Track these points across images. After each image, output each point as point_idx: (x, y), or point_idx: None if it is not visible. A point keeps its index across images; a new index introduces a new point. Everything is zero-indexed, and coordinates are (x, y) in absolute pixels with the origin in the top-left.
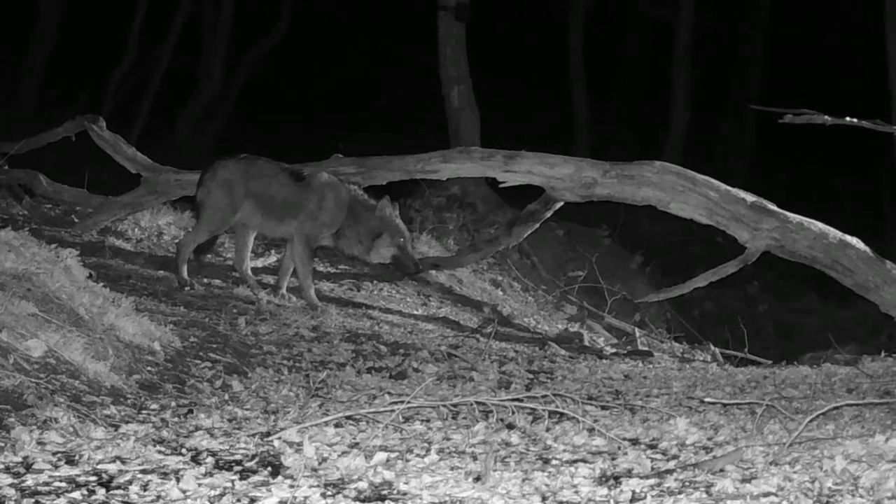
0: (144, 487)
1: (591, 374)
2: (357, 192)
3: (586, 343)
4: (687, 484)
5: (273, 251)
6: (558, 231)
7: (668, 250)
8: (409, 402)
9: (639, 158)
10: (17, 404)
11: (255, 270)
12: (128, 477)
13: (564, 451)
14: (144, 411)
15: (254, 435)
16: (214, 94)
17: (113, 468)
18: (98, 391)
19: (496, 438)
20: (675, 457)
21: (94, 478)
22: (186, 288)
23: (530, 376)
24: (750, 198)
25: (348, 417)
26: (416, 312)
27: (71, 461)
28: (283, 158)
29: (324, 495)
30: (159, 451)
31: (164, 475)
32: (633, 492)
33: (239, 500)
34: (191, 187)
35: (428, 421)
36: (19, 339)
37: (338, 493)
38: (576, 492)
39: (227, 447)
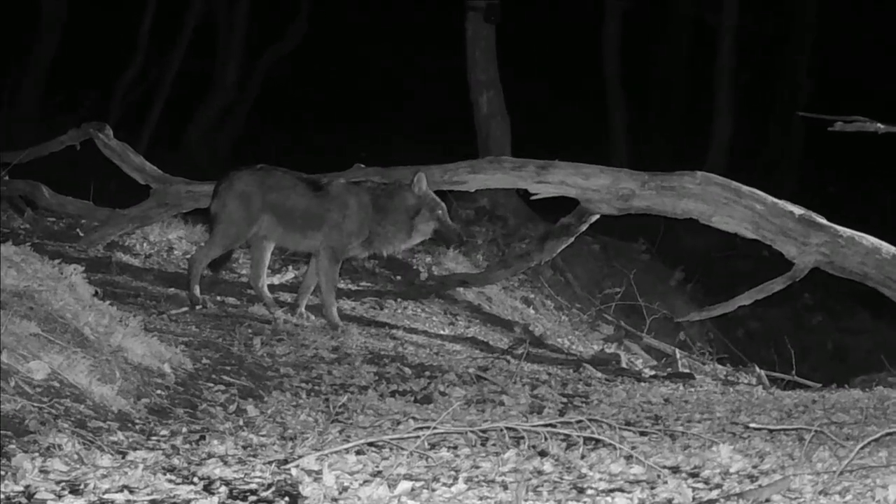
0: None
1: (629, 397)
2: (374, 186)
3: (624, 365)
4: None
5: (290, 267)
6: (594, 246)
7: (710, 266)
8: (435, 428)
9: (679, 168)
10: (19, 430)
11: (272, 287)
12: None
13: (600, 479)
14: (154, 437)
15: (270, 463)
16: (229, 99)
17: (120, 498)
18: (104, 416)
19: (528, 466)
20: (718, 486)
21: None
22: (199, 307)
23: (564, 400)
24: (798, 211)
25: (370, 444)
26: (442, 332)
27: (76, 491)
28: (302, 168)
29: None
30: (169, 480)
31: None
32: None
33: None
34: (203, 199)
35: (455, 448)
36: (21, 361)
37: None
38: None
39: (242, 476)
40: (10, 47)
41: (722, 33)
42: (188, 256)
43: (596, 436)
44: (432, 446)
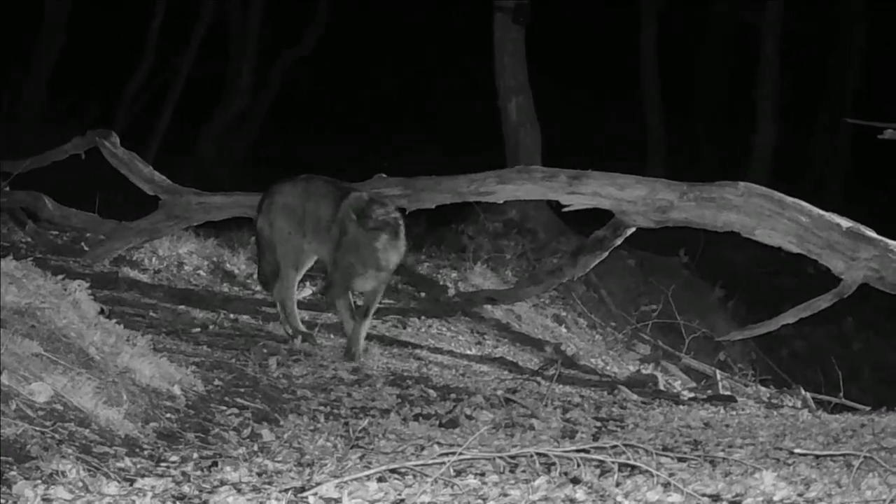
0: None
1: (667, 421)
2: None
3: (661, 387)
4: None
5: (307, 283)
6: (629, 260)
7: (752, 282)
8: (461, 454)
9: (720, 178)
10: (20, 456)
11: None
12: None
13: None
14: (163, 464)
15: (286, 490)
16: (242, 105)
17: None
18: (111, 441)
19: (559, 494)
20: None
21: None
22: (299, 341)
23: (598, 424)
24: (845, 223)
25: (392, 471)
26: (468, 352)
27: None
28: None
29: None
30: None
31: None
32: None
33: None
34: (215, 211)
35: (482, 475)
36: (22, 383)
37: None
38: None
39: None
40: (11, 50)
41: (764, 33)
42: (272, 299)
43: (632, 462)
44: (458, 473)
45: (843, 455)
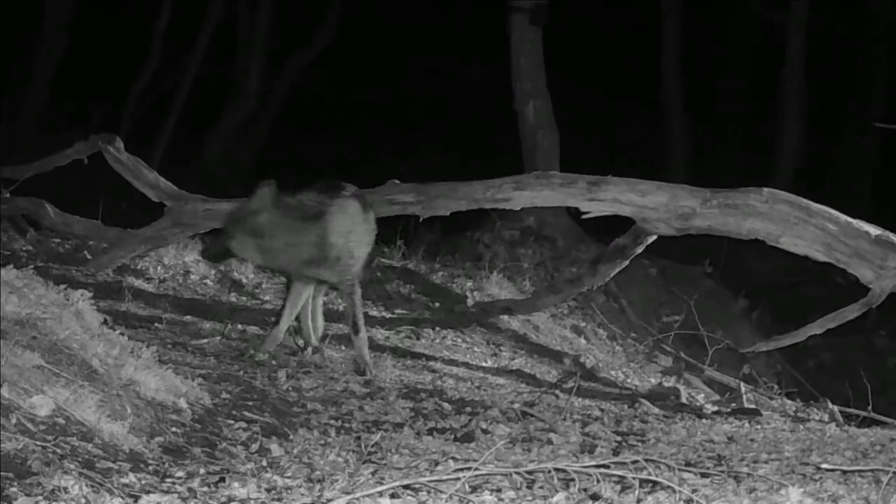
0: None
1: (690, 435)
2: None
3: (683, 400)
4: None
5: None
6: (651, 269)
7: (778, 292)
8: (476, 469)
9: (744, 183)
10: (21, 471)
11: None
12: None
13: None
14: (168, 479)
15: None
16: (251, 109)
17: None
18: (114, 456)
19: None
20: None
21: None
22: (310, 352)
23: (618, 439)
24: (874, 231)
25: (406, 486)
26: (484, 364)
27: None
28: None
29: None
30: None
31: None
32: None
33: None
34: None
35: (499, 491)
36: (23, 396)
37: None
38: None
39: None
40: (11, 51)
41: (789, 32)
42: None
43: (653, 477)
44: (474, 489)
45: (872, 470)
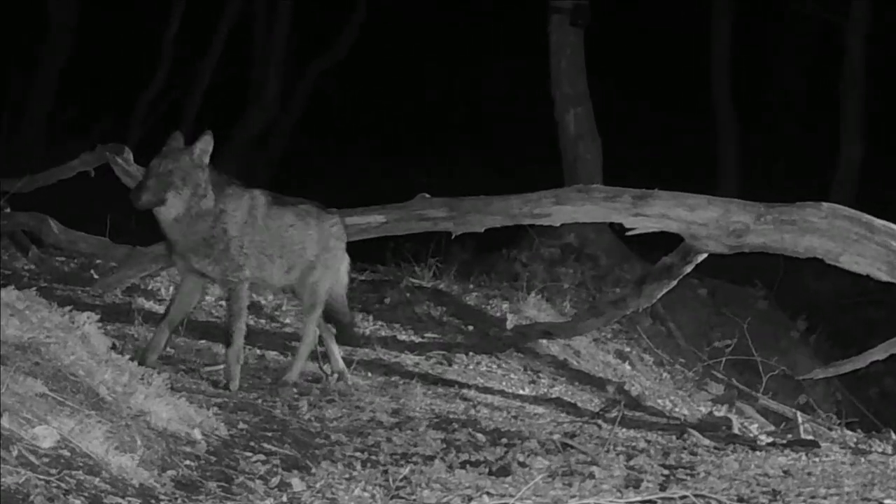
0: None
1: (742, 469)
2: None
3: (736, 430)
4: None
5: None
6: (701, 290)
7: (838, 314)
8: None
9: (800, 197)
10: None
11: (321, 339)
12: None
13: None
14: None
15: None
16: (269, 117)
17: None
18: (123, 491)
19: None
20: None
21: None
22: (335, 380)
23: (665, 472)
24: None
25: None
26: (522, 392)
27: None
28: (356, 197)
29: None
30: None
31: None
32: None
33: None
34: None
35: None
36: (25, 426)
37: None
38: None
39: None
40: (14, 58)
41: (849, 35)
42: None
43: None
44: None
45: None
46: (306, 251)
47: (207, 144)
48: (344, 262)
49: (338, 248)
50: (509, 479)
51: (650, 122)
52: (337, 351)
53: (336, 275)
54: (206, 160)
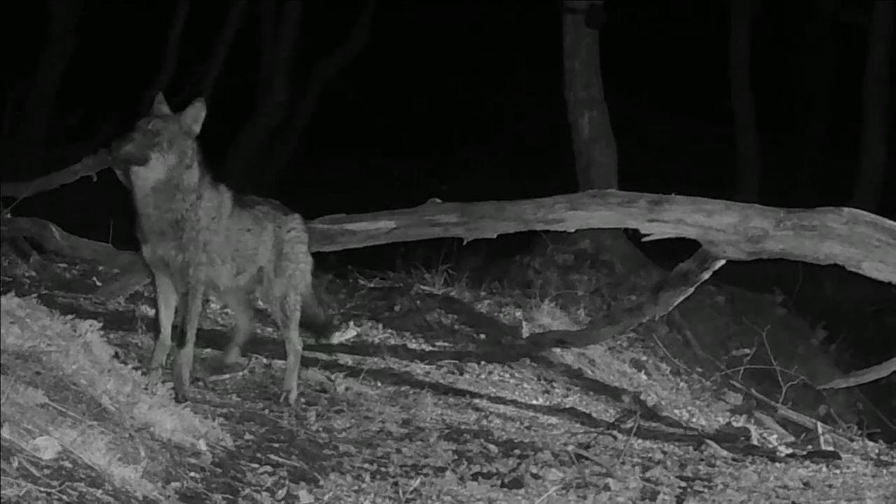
0: None
1: (761, 481)
2: None
3: (754, 441)
4: None
5: (352, 323)
6: (718, 298)
7: (859, 323)
8: None
9: (821, 203)
10: None
11: (330, 347)
12: None
13: None
14: None
15: None
16: (276, 121)
17: None
18: (127, 503)
19: None
20: None
21: None
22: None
23: (682, 484)
24: None
25: None
26: (535, 402)
27: None
28: (366, 203)
29: None
30: None
31: None
32: None
33: None
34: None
35: None
36: (26, 437)
37: None
38: None
39: None
40: (13, 59)
41: (871, 37)
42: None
43: None
44: None
45: None
46: (258, 257)
47: (199, 111)
48: (308, 264)
49: (298, 253)
50: (522, 491)
51: (666, 125)
52: (238, 344)
53: (302, 278)
54: (197, 129)
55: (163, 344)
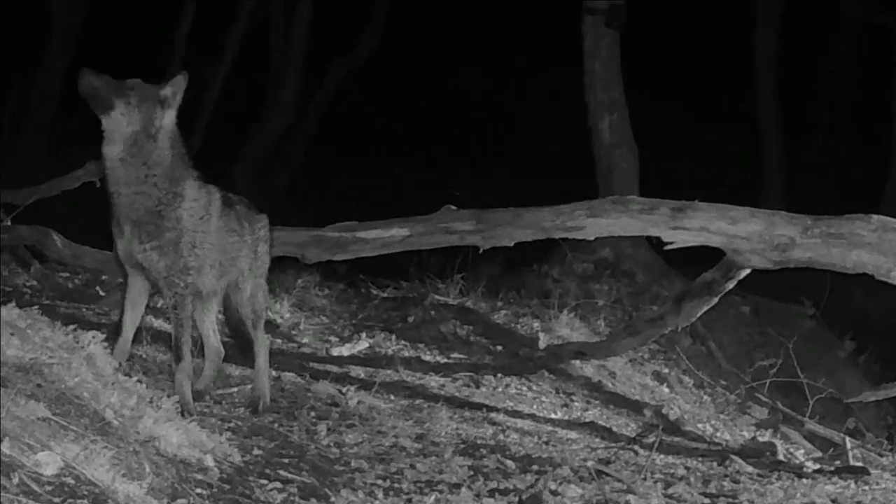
0: None
1: (787, 497)
2: None
3: (780, 457)
4: None
5: (364, 335)
6: (743, 308)
7: (889, 333)
8: None
9: (849, 210)
10: None
11: (341, 360)
12: None
13: None
14: None
15: None
16: (286, 124)
17: None
18: None
19: None
20: None
21: None
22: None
23: (706, 501)
24: None
25: None
26: (554, 416)
27: None
28: (377, 209)
29: None
30: None
31: None
32: None
33: None
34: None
35: None
36: (27, 452)
37: None
38: None
39: None
40: (14, 61)
41: None
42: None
43: None
44: None
45: None
46: (240, 260)
47: (179, 85)
48: (267, 265)
49: (265, 254)
50: None
51: (690, 129)
52: (212, 371)
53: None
54: (173, 102)
55: (121, 349)
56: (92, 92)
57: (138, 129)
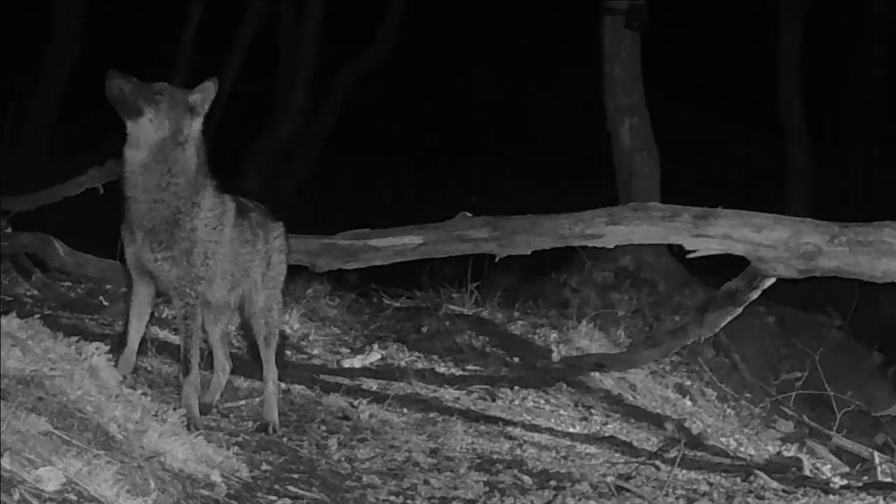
0: None
1: None
2: None
3: (807, 472)
4: None
5: (376, 346)
6: (768, 318)
7: None
8: None
9: (878, 217)
10: None
11: (353, 372)
12: None
13: None
14: None
15: None
16: (296, 129)
17: None
18: None
19: None
20: None
21: None
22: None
23: None
24: None
25: None
26: (572, 430)
27: None
28: (390, 216)
29: None
30: None
31: None
32: None
33: None
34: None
35: None
36: (28, 467)
37: None
38: None
39: None
40: (15, 64)
41: None
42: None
43: None
44: None
45: None
46: (252, 270)
47: (208, 92)
48: (284, 276)
49: (280, 263)
50: None
51: (712, 133)
52: (220, 384)
53: (280, 290)
54: (201, 110)
55: (126, 361)
56: (119, 96)
57: (167, 136)
